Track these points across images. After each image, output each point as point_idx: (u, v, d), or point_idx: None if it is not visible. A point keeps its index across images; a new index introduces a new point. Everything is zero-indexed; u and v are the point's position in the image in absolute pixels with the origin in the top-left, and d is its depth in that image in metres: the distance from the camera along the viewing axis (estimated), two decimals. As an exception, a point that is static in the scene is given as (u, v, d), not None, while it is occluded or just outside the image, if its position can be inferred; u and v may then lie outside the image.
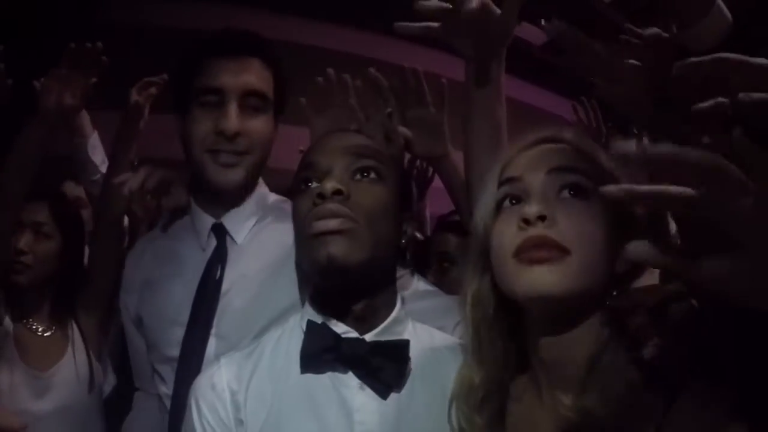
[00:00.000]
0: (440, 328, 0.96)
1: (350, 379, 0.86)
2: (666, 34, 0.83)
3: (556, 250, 0.69)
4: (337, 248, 0.83)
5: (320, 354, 0.86)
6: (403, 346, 0.87)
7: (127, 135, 1.53)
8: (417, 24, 0.94)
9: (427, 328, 0.95)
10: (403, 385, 0.86)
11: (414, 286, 1.24)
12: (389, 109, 1.20)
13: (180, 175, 1.25)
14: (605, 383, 0.69)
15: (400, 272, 1.14)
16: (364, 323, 0.88)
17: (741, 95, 0.63)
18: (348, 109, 1.22)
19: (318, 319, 0.89)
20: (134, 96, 1.53)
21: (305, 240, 0.87)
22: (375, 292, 0.89)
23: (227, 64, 1.11)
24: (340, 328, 0.87)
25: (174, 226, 1.24)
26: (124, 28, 2.87)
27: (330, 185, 0.85)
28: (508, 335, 0.78)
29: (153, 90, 1.56)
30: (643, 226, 0.74)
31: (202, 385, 0.89)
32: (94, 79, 1.40)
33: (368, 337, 0.87)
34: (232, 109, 1.10)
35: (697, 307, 0.71)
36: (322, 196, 0.85)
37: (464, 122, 1.01)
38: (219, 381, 0.87)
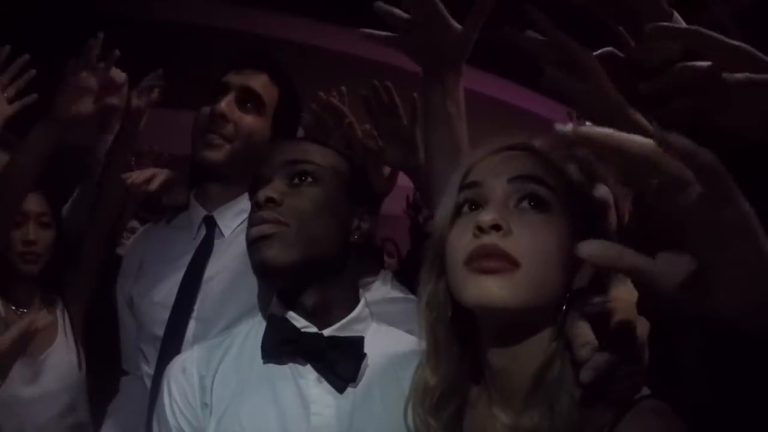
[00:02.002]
0: (409, 332, 0.98)
1: (308, 372, 0.90)
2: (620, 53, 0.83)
3: (506, 262, 0.68)
4: (267, 252, 0.89)
5: (279, 346, 0.91)
6: (357, 341, 0.92)
7: (126, 136, 1.56)
8: (380, 32, 0.98)
9: (393, 331, 0.99)
10: (360, 380, 0.90)
11: (384, 292, 1.26)
12: (348, 120, 1.28)
13: (180, 174, 1.35)
14: (549, 400, 0.67)
15: (370, 278, 1.20)
16: (320, 319, 0.92)
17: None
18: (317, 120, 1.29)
19: (280, 312, 0.94)
20: (135, 100, 1.55)
21: (247, 247, 0.93)
22: (324, 287, 0.93)
23: (237, 72, 1.26)
24: (299, 322, 0.92)
25: (174, 218, 1.34)
26: (128, 24, 2.90)
27: (262, 194, 0.91)
28: (464, 339, 0.77)
29: (155, 96, 1.57)
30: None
31: (174, 368, 0.94)
32: (115, 99, 1.42)
33: (326, 332, 0.92)
34: (229, 97, 1.22)
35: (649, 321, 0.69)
36: (257, 205, 0.92)
37: (424, 135, 1.03)
38: (189, 365, 0.93)
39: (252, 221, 0.92)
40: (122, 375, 1.33)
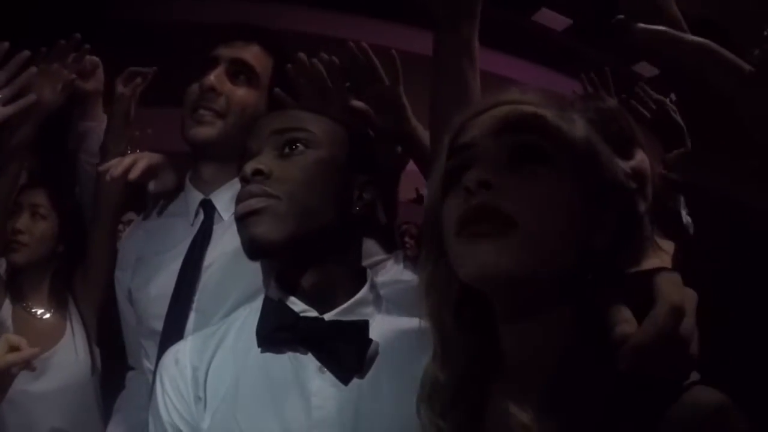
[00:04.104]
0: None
1: (309, 361, 0.82)
2: None
3: (499, 222, 0.58)
4: (256, 228, 0.82)
5: (274, 332, 0.83)
6: (361, 326, 0.83)
7: (116, 126, 1.53)
8: None
9: (405, 315, 0.88)
10: (366, 370, 0.82)
11: (395, 273, 1.14)
12: (348, 84, 1.17)
13: (169, 160, 1.28)
14: (575, 394, 0.58)
15: (379, 257, 1.12)
16: (321, 302, 0.84)
17: None
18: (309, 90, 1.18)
19: (277, 296, 0.86)
20: (120, 88, 1.53)
21: (236, 226, 0.86)
22: (324, 265, 0.85)
23: (227, 44, 1.18)
24: (298, 306, 0.84)
25: (169, 205, 1.27)
26: (132, 24, 2.90)
27: (249, 167, 0.84)
28: (478, 325, 0.67)
29: (139, 80, 1.55)
30: (629, 195, 0.64)
31: (167, 360, 0.88)
32: (73, 75, 1.42)
33: (328, 316, 0.84)
34: (219, 69, 1.15)
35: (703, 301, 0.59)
36: (244, 179, 0.84)
37: (431, 94, 0.93)
38: (182, 357, 0.86)
39: (239, 197, 0.84)
40: (128, 370, 1.29)
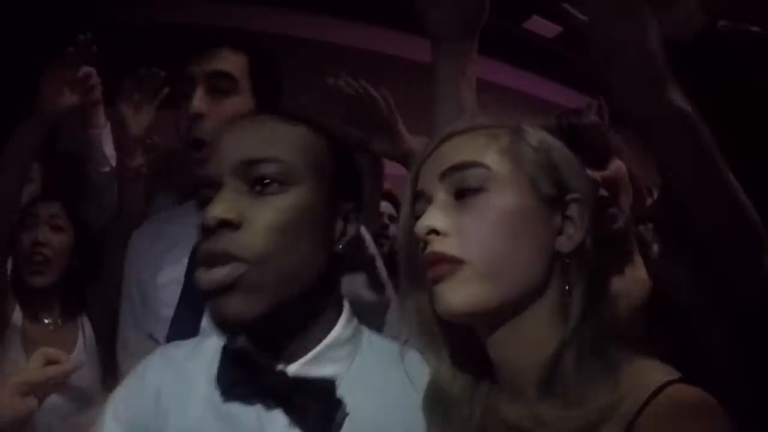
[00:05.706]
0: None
1: (278, 415, 0.71)
2: None
3: (450, 264, 0.63)
4: (226, 308, 0.67)
5: (232, 387, 0.72)
6: (328, 387, 0.71)
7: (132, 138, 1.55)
8: None
9: (387, 349, 0.79)
10: (341, 426, 0.72)
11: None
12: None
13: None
14: (568, 390, 0.61)
15: (369, 298, 1.10)
16: (287, 349, 0.74)
17: None
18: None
19: (233, 344, 0.74)
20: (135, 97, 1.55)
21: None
22: (299, 321, 0.74)
23: (199, 58, 1.16)
24: (259, 356, 0.73)
25: (176, 209, 1.32)
26: (128, 26, 2.91)
27: (213, 216, 0.67)
28: (464, 337, 0.71)
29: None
30: (584, 197, 0.67)
31: (140, 369, 0.81)
32: (92, 80, 1.43)
33: (292, 368, 0.73)
34: (199, 91, 1.13)
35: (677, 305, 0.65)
36: (207, 229, 0.68)
37: (431, 109, 0.96)
38: (150, 374, 0.78)
39: (199, 257, 0.69)
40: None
